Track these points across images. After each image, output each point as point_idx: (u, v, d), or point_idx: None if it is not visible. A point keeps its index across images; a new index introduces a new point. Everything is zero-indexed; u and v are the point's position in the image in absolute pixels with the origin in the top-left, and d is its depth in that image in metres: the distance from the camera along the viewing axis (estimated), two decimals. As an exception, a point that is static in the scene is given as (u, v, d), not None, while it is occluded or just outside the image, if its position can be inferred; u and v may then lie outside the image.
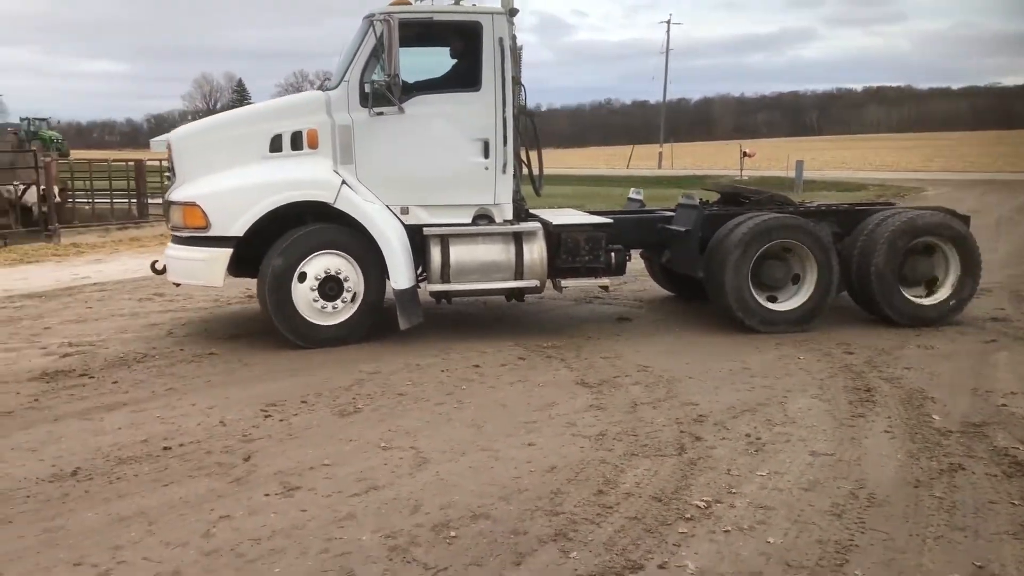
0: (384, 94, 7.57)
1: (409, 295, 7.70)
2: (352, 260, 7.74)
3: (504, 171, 8.03)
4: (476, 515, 4.30)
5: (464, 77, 8.11)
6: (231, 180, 7.61)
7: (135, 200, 21.29)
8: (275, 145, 7.76)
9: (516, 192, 8.33)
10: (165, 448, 5.27)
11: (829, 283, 8.29)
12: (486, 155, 7.97)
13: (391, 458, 5.10)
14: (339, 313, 7.77)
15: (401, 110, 7.71)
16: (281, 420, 5.83)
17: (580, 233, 8.18)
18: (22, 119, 48.79)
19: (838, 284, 8.41)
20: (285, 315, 7.62)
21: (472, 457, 5.13)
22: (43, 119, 52.18)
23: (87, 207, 20.39)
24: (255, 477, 4.83)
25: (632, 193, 10.59)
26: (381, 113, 7.71)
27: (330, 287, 7.69)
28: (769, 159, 52.30)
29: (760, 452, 5.18)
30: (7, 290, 10.67)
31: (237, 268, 7.99)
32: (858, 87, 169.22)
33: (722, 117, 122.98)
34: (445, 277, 7.81)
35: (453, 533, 4.10)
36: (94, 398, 6.34)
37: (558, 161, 70.81)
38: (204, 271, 7.65)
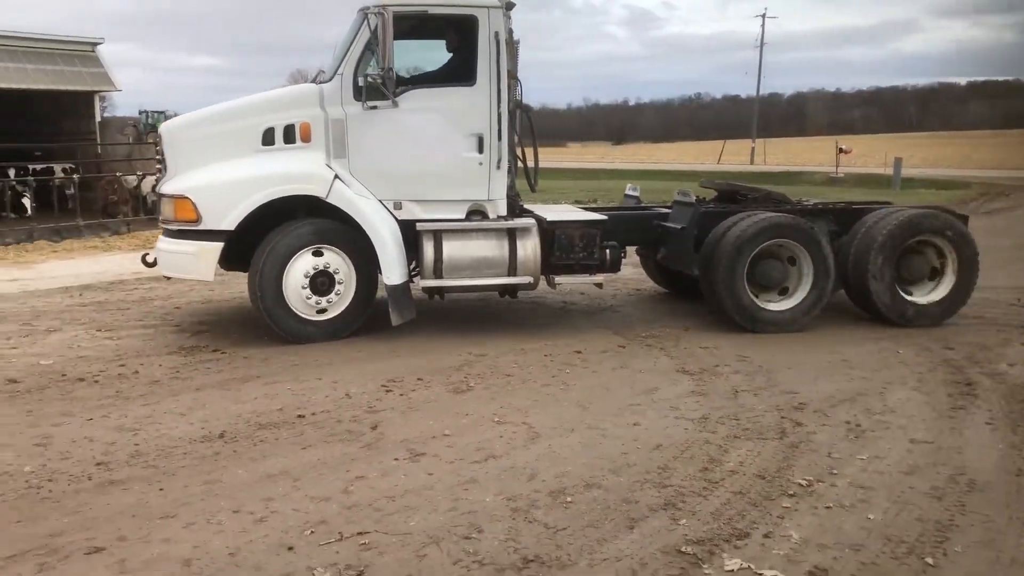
0: (378, 88, 7.52)
1: (402, 290, 7.68)
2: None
3: (498, 167, 7.95)
4: (589, 484, 4.63)
5: (459, 71, 8.04)
6: (223, 173, 7.56)
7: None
8: (267, 138, 7.69)
9: (511, 188, 8.27)
10: (299, 416, 5.76)
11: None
12: (480, 150, 7.88)
13: (505, 432, 5.48)
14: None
15: (395, 104, 7.63)
16: (401, 395, 6.27)
17: (574, 230, 8.13)
18: (141, 112, 50.72)
19: (834, 283, 8.39)
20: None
21: (581, 434, 5.46)
22: (161, 112, 53.73)
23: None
24: (383, 444, 5.27)
25: (629, 189, 10.56)
26: (375, 107, 7.63)
27: (321, 282, 7.65)
28: (865, 156, 51.05)
29: (860, 438, 5.37)
30: (137, 272, 11.45)
31: (230, 262, 8.05)
32: (961, 81, 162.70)
33: (816, 112, 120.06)
34: (438, 272, 7.76)
35: (569, 499, 4.44)
36: (228, 371, 6.90)
37: (647, 156, 70.53)
38: (195, 265, 7.60)
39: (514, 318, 8.81)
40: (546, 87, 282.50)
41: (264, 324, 7.74)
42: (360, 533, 4.05)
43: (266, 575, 3.67)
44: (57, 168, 21.40)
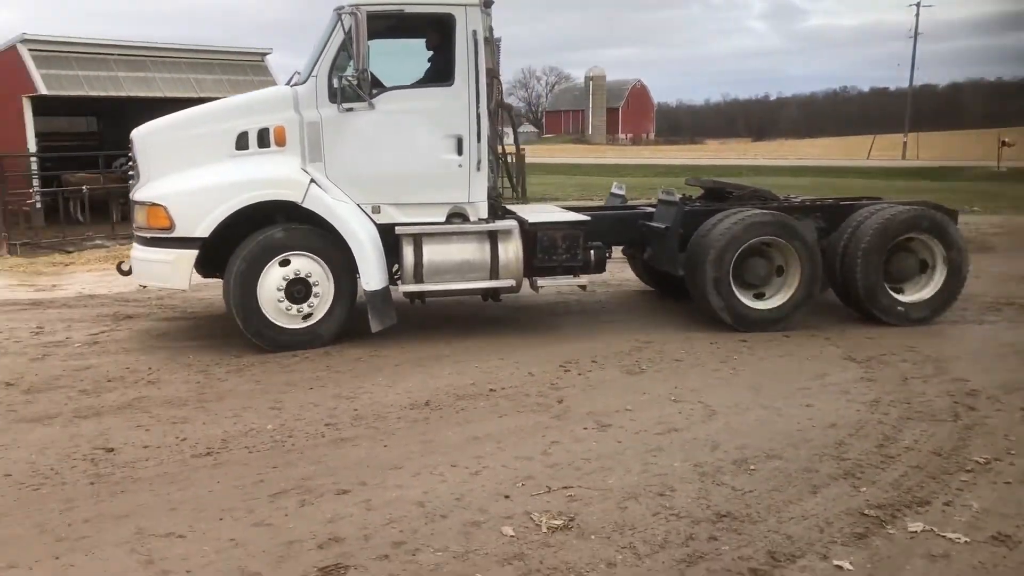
0: (353, 90, 7.38)
1: (381, 296, 7.54)
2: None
3: (478, 168, 7.79)
4: (770, 455, 4.99)
5: (436, 72, 7.91)
6: (196, 180, 7.38)
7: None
8: (241, 143, 7.50)
9: (492, 189, 8.17)
10: (491, 390, 6.35)
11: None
12: (459, 152, 7.72)
13: (683, 409, 5.88)
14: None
15: (371, 106, 7.47)
16: (579, 374, 6.77)
17: (557, 231, 7.98)
18: None
19: (822, 281, 8.29)
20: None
21: (756, 412, 5.80)
22: None
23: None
24: (571, 415, 5.78)
25: (614, 188, 10.38)
26: (351, 109, 7.46)
27: (298, 289, 7.48)
28: (1031, 149, 48.05)
29: (1037, 424, 5.48)
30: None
31: (208, 268, 7.93)
32: None
33: (973, 104, 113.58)
34: (418, 277, 7.64)
35: (752, 467, 4.82)
36: (420, 350, 7.57)
37: (790, 151, 68.67)
38: (169, 273, 7.47)
39: (678, 308, 9.16)
40: (683, 83, 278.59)
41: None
42: (565, 487, 4.56)
43: (490, 516, 4.23)
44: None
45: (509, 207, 8.56)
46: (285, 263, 7.44)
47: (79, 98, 22.56)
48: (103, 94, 22.89)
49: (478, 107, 7.70)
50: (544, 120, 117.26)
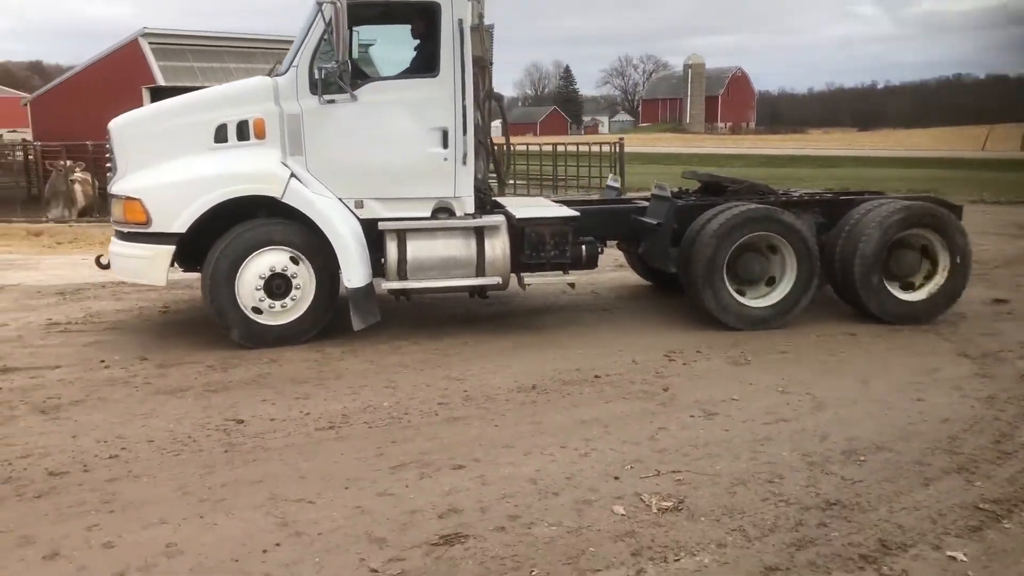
0: (335, 81, 7.14)
1: (364, 293, 7.34)
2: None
3: (464, 162, 7.55)
4: (879, 447, 4.98)
5: (421, 62, 7.68)
6: (173, 173, 7.19)
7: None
8: (220, 135, 7.31)
9: (481, 183, 7.98)
10: (596, 376, 6.48)
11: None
12: (445, 145, 7.47)
13: (791, 400, 5.90)
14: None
15: (353, 97, 7.23)
16: (684, 364, 6.84)
17: (545, 227, 7.75)
18: None
19: (819, 278, 8.00)
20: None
21: (865, 405, 5.77)
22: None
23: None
24: (677, 403, 5.87)
25: (610, 181, 10.12)
26: (332, 101, 7.23)
27: (277, 285, 7.28)
28: None
29: None
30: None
31: (190, 262, 7.76)
32: None
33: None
34: (402, 274, 7.43)
35: (862, 458, 4.83)
36: (522, 337, 7.75)
37: (896, 142, 66.23)
38: (146, 269, 7.31)
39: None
40: (785, 71, 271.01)
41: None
42: (674, 471, 4.67)
43: (601, 495, 4.37)
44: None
45: (499, 200, 8.39)
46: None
47: (191, 88, 23.69)
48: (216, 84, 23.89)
49: (464, 99, 7.43)
50: (640, 108, 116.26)
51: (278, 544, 3.89)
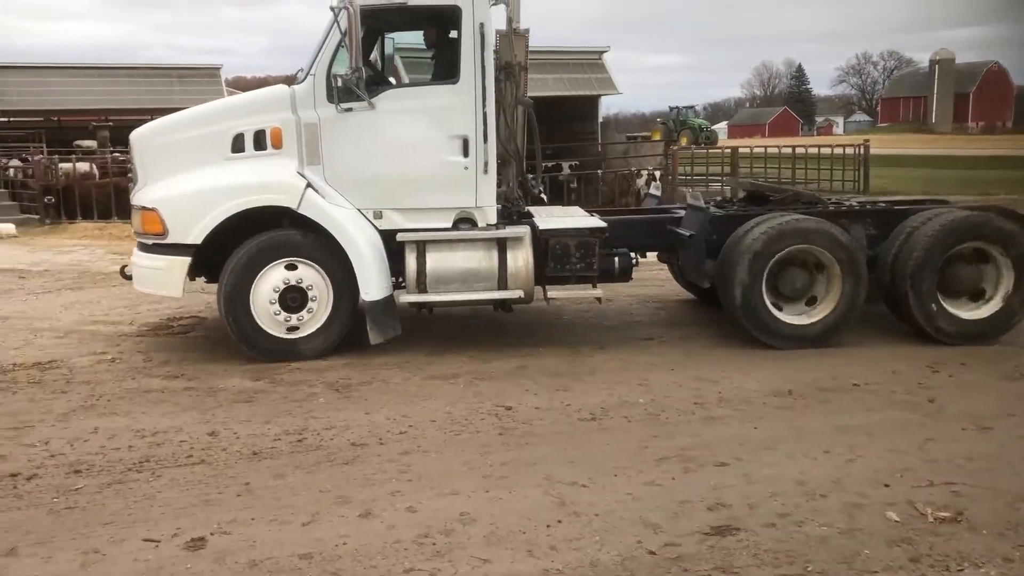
0: (352, 88, 6.95)
1: (382, 306, 7.13)
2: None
3: (486, 171, 7.26)
4: None
5: (441, 68, 7.50)
6: (189, 184, 7.10)
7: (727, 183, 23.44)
8: (237, 145, 7.20)
9: (510, 192, 7.72)
10: (854, 385, 6.38)
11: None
12: (465, 154, 7.20)
13: (1076, 418, 5.53)
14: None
15: (371, 105, 7.05)
16: (949, 376, 6.59)
17: (570, 238, 7.37)
18: (671, 108, 51.76)
19: (867, 294, 7.39)
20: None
21: None
22: (689, 107, 52.82)
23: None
24: (945, 415, 5.69)
25: (652, 189, 9.03)
26: (350, 109, 7.05)
27: (292, 298, 7.11)
28: None
29: None
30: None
31: (211, 273, 7.60)
32: None
33: None
34: (421, 286, 7.19)
35: None
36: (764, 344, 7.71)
37: None
38: (163, 280, 7.21)
39: None
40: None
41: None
42: (948, 483, 4.57)
43: (871, 500, 4.37)
44: (564, 165, 24.46)
45: (531, 210, 8.06)
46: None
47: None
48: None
49: (485, 106, 7.19)
50: (879, 108, 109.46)
51: (559, 521, 4.22)
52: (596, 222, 7.69)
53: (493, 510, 4.35)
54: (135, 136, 7.63)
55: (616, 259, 7.78)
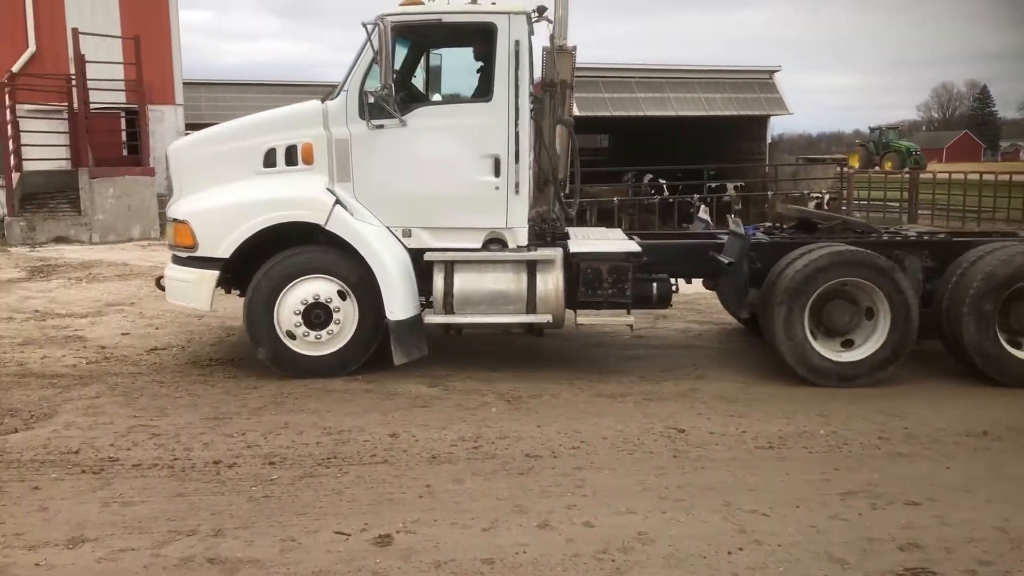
0: (384, 105, 6.81)
1: (407, 326, 6.94)
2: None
3: (517, 192, 7.05)
4: None
5: (477, 86, 7.26)
6: (220, 197, 7.14)
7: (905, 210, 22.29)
8: (269, 160, 7.19)
9: (546, 212, 7.60)
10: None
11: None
12: (497, 173, 7.00)
13: None
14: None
15: (402, 123, 6.92)
16: None
17: (602, 262, 7.12)
18: (872, 129, 49.51)
19: (918, 330, 6.93)
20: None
21: None
22: (892, 127, 49.94)
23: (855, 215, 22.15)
24: None
25: (700, 213, 8.53)
26: (381, 126, 6.95)
27: (316, 315, 7.02)
28: None
29: None
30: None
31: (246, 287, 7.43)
32: None
33: None
34: (448, 307, 6.99)
35: None
36: (957, 379, 7.23)
37: None
38: (192, 293, 7.21)
39: None
40: None
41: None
42: None
43: (1086, 557, 4.03)
44: (729, 186, 23.98)
45: (570, 231, 7.87)
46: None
47: (598, 118, 25.26)
48: (624, 114, 25.25)
49: (517, 125, 7.04)
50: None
51: (740, 548, 4.13)
52: (631, 246, 7.46)
53: (671, 532, 4.31)
54: (172, 149, 7.82)
55: (655, 284, 7.57)
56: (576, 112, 24.45)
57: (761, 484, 4.93)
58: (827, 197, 20.68)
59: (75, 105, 16.89)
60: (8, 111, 16.24)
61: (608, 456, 5.39)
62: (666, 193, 22.55)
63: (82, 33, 16.40)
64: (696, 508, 4.60)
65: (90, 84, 16.36)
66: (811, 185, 23.81)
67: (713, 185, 23.22)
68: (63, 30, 17.36)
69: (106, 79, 16.70)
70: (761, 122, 26.39)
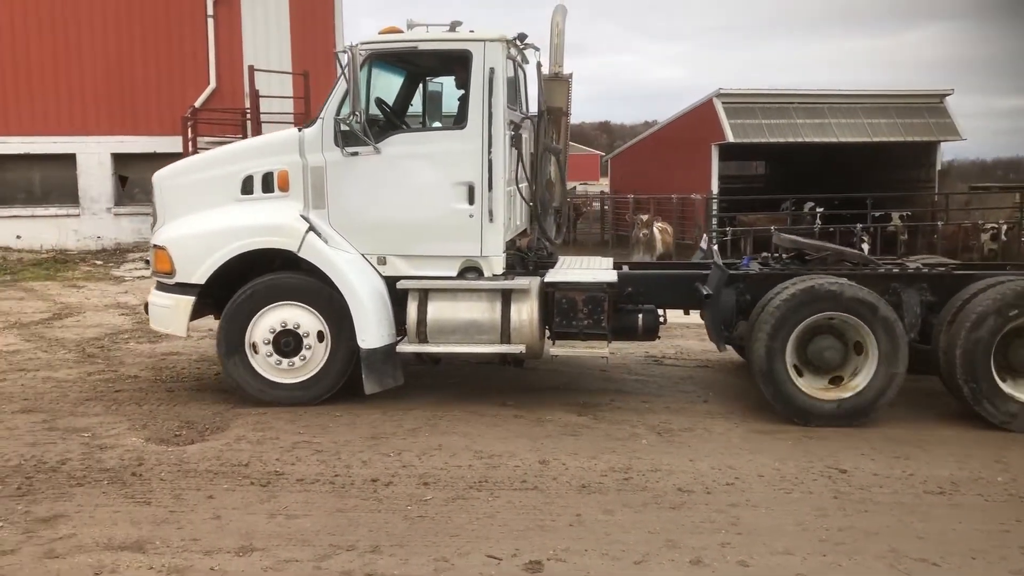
0: (358, 133, 6.74)
1: (380, 355, 6.88)
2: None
3: (491, 219, 6.96)
4: None
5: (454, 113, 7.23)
6: (198, 224, 7.20)
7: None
8: (247, 187, 7.22)
9: (537, 239, 7.71)
10: None
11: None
12: (471, 201, 6.94)
13: None
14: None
15: (377, 150, 6.88)
16: None
17: (577, 292, 6.94)
18: None
19: (920, 366, 6.70)
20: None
21: None
22: None
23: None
24: None
25: (702, 243, 8.18)
26: (356, 153, 6.92)
27: (286, 342, 7.00)
28: None
29: None
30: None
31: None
32: None
33: None
34: (422, 336, 6.91)
35: None
36: None
37: None
38: (169, 318, 7.27)
39: None
40: None
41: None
42: None
43: None
44: (895, 215, 22.77)
45: (561, 258, 7.93)
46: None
47: (753, 144, 24.65)
48: (782, 140, 24.57)
49: (491, 152, 6.90)
50: None
51: (910, 599, 3.90)
52: (609, 276, 7.23)
53: (831, 576, 4.13)
54: (156, 177, 7.86)
55: (640, 316, 7.37)
56: (731, 139, 23.95)
57: (931, 532, 4.64)
58: (1004, 227, 19.30)
59: (249, 137, 18.09)
60: (191, 143, 17.55)
61: (764, 494, 5.22)
62: (819, 223, 21.69)
63: (258, 70, 17.53)
64: (859, 553, 4.38)
65: (263, 118, 17.47)
66: (986, 215, 22.32)
67: (876, 214, 22.12)
68: (240, 67, 18.66)
69: (277, 112, 17.77)
70: (930, 148, 24.97)
